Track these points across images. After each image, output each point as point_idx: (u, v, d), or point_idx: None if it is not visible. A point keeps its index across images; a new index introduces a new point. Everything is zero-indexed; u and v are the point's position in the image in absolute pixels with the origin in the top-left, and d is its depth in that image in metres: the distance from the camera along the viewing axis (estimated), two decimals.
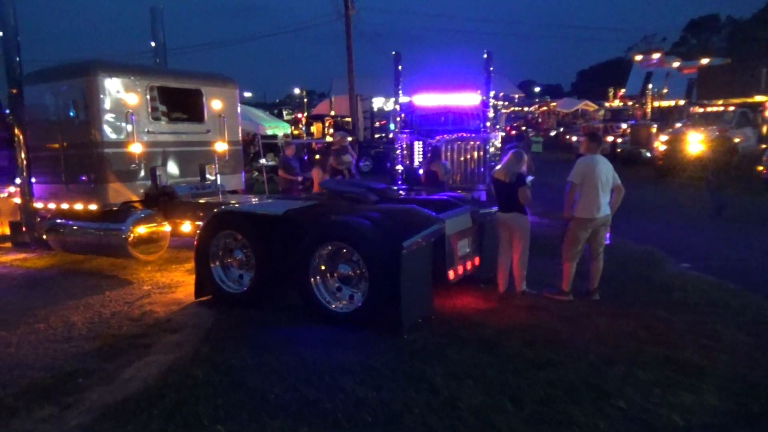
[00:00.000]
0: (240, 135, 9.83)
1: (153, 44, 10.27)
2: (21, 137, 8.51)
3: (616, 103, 39.51)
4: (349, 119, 23.68)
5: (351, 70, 25.91)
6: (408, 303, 5.53)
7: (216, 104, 9.18)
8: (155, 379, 4.76)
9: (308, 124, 24.11)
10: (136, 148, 8.04)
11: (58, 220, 8.56)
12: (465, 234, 6.54)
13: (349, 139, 13.37)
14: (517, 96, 57.28)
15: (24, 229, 8.98)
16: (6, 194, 9.48)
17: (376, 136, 27.67)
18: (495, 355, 5.03)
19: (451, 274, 6.22)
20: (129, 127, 7.93)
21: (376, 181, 8.07)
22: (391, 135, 17.63)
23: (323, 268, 6.00)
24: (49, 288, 7.78)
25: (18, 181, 8.76)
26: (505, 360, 4.92)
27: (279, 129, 19.41)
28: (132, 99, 7.96)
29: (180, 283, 7.73)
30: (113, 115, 7.80)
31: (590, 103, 48.22)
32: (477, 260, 6.82)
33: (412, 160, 13.66)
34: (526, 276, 6.82)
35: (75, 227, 8.34)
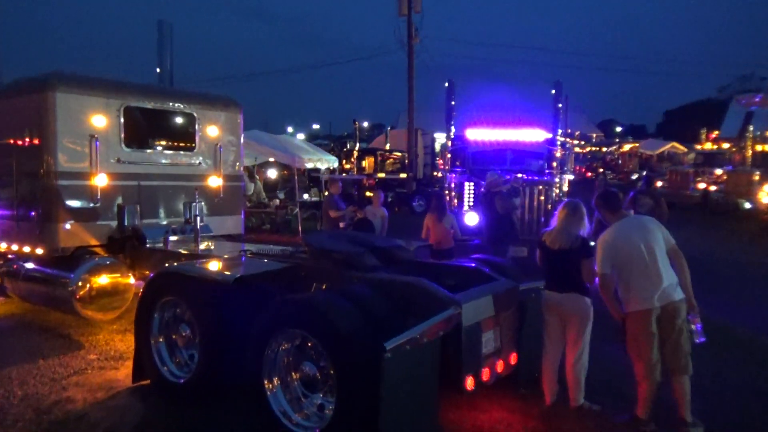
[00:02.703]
0: (241, 168, 8.23)
1: (158, 70, 8.96)
2: None
3: (709, 146, 35.59)
4: (400, 153, 21.99)
5: (411, 101, 24.58)
6: (394, 430, 3.59)
7: (212, 131, 7.66)
8: None
9: (360, 158, 22.61)
10: (100, 181, 6.56)
11: (18, 263, 7.18)
12: (495, 321, 4.51)
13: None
14: (595, 135, 53.94)
15: None
16: None
17: (436, 173, 25.99)
18: None
19: (469, 381, 4.19)
20: (92, 155, 6.47)
21: (388, 237, 6.21)
22: (439, 173, 15.85)
23: (284, 363, 4.17)
24: None
25: None
26: None
27: (323, 162, 17.84)
28: (99, 121, 6.53)
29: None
30: (72, 140, 6.36)
31: (678, 145, 44.03)
32: (513, 358, 4.74)
33: (461, 203, 11.84)
34: (584, 382, 4.68)
35: (30, 273, 6.91)
